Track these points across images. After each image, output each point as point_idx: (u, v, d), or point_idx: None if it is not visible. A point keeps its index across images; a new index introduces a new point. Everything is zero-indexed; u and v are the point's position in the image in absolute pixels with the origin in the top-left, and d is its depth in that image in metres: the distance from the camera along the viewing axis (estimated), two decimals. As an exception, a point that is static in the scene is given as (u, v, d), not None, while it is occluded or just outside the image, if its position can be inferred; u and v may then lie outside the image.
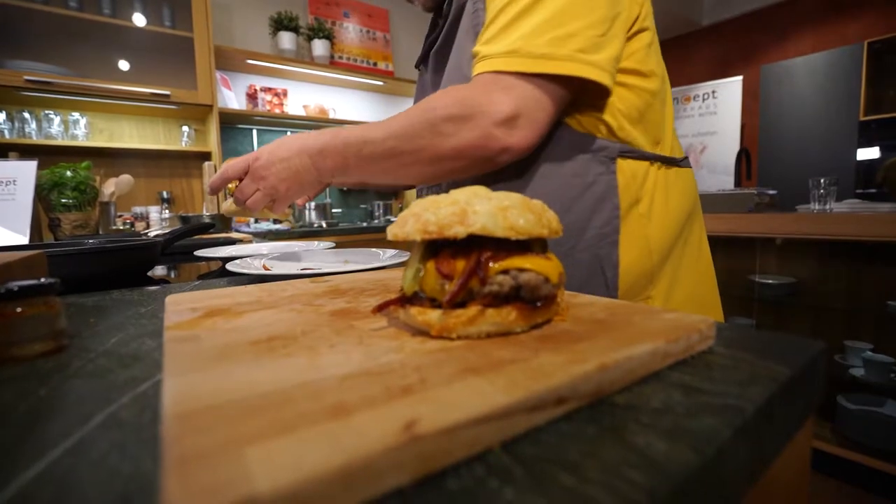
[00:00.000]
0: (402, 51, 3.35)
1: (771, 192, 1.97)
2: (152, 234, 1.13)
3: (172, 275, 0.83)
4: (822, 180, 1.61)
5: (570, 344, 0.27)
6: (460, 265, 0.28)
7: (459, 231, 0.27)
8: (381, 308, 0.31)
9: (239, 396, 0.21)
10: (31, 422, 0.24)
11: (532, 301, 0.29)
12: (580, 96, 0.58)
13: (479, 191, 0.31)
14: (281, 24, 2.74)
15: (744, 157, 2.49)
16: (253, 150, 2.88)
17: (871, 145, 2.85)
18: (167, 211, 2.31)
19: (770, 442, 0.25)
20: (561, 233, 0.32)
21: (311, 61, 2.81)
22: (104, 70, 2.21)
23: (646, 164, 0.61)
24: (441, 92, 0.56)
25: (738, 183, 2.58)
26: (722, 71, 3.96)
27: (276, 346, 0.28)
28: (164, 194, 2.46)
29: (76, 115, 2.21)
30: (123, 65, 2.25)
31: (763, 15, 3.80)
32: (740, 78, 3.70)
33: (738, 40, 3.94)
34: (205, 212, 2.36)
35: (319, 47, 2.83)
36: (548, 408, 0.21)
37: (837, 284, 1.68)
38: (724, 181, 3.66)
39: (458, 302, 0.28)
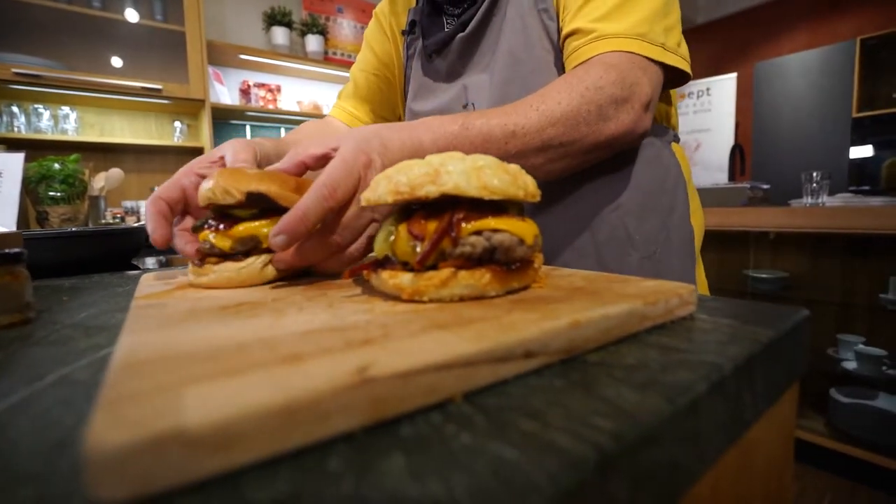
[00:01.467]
0: (398, 47, 3.35)
1: (764, 186, 1.97)
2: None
3: (162, 267, 0.82)
4: (814, 174, 1.61)
5: (544, 304, 0.26)
6: (432, 226, 0.28)
7: (431, 190, 0.27)
8: (353, 273, 0.30)
9: (192, 349, 0.20)
10: (-21, 383, 0.23)
11: (506, 263, 0.28)
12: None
13: (455, 154, 0.30)
14: (274, 19, 2.72)
15: (737, 152, 2.49)
16: (247, 146, 2.86)
17: (864, 142, 2.86)
18: (159, 206, 2.29)
19: (750, 404, 0.24)
20: (538, 197, 0.31)
21: (305, 57, 2.79)
22: (95, 64, 2.19)
23: (679, 146, 0.65)
24: (599, 67, 0.48)
25: (731, 179, 2.59)
26: (716, 68, 3.97)
27: (244, 310, 0.27)
28: (156, 189, 2.44)
29: (66, 109, 2.19)
30: (114, 59, 2.23)
31: (757, 12, 3.81)
32: (734, 75, 3.71)
33: (732, 38, 3.95)
34: (197, 207, 2.34)
35: (313, 43, 2.82)
36: (515, 360, 0.20)
37: (830, 278, 1.69)
38: (718, 178, 3.67)
39: (429, 265, 0.27)
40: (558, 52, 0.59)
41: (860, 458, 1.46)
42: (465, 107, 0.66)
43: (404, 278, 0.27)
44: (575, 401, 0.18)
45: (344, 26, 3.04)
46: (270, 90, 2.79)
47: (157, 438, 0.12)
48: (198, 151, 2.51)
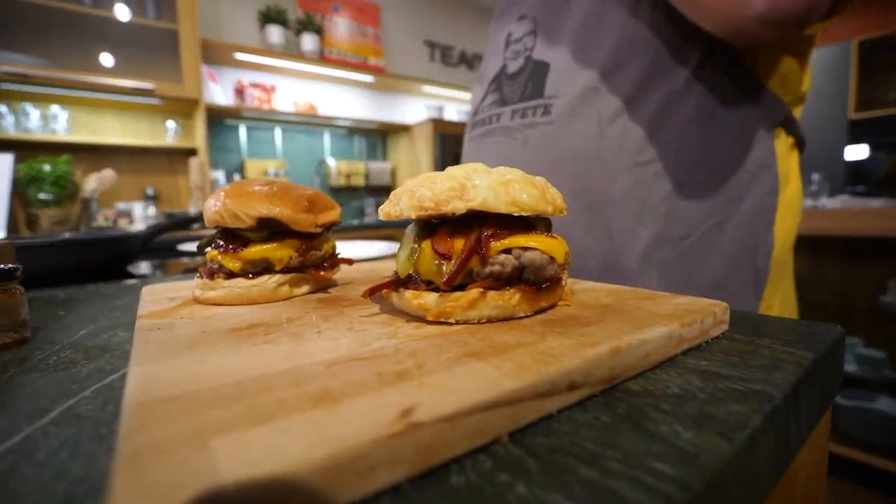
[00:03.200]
0: (394, 46, 3.32)
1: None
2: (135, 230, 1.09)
3: (157, 273, 0.80)
4: (814, 176, 1.62)
5: (578, 328, 0.25)
6: (459, 244, 0.26)
7: (458, 206, 0.25)
8: (372, 291, 0.29)
9: (211, 384, 0.18)
10: (-25, 418, 0.21)
11: (536, 283, 0.27)
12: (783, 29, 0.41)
13: (478, 166, 0.29)
14: (269, 17, 2.69)
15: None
16: (241, 147, 2.83)
17: (860, 143, 2.88)
18: (152, 208, 2.25)
19: (795, 431, 0.23)
20: (565, 212, 0.29)
21: (301, 56, 2.76)
22: (85, 62, 2.14)
23: (792, 142, 0.51)
24: None
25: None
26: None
27: (258, 333, 0.26)
28: (149, 191, 2.40)
29: (56, 108, 2.14)
30: (106, 57, 2.18)
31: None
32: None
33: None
34: (192, 209, 2.31)
35: (309, 42, 2.78)
36: (559, 394, 0.19)
37: (830, 280, 1.69)
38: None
39: (456, 284, 0.26)
40: None
41: (860, 461, 1.47)
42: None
43: (429, 299, 0.26)
44: (628, 441, 0.17)
45: (340, 25, 3.01)
46: (265, 90, 2.75)
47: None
48: (191, 152, 2.47)
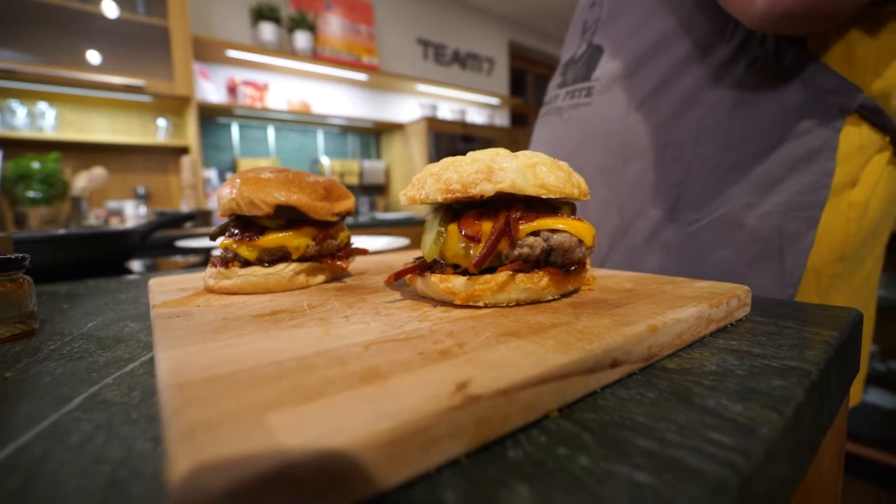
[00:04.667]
0: (387, 45, 3.30)
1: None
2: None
3: (152, 271, 0.78)
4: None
5: (608, 309, 0.24)
6: (487, 227, 0.26)
7: (486, 188, 0.25)
8: (397, 276, 0.28)
9: (248, 366, 0.18)
10: (-6, 406, 0.20)
11: (564, 265, 0.26)
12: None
13: (500, 150, 0.29)
14: (261, 14, 2.66)
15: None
16: (233, 145, 2.79)
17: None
18: (143, 207, 2.21)
19: (827, 409, 0.23)
20: (589, 196, 0.29)
21: (293, 54, 2.73)
22: (73, 59, 2.10)
23: (882, 139, 0.44)
24: None
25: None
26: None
27: (283, 319, 0.25)
28: (140, 190, 2.35)
29: (43, 105, 2.09)
30: (94, 54, 2.14)
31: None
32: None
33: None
34: (184, 208, 2.27)
35: (301, 39, 2.76)
36: (602, 370, 0.19)
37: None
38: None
39: (484, 268, 0.26)
40: None
41: (850, 452, 1.49)
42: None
43: (457, 282, 0.26)
44: (680, 414, 0.17)
45: (333, 23, 2.99)
46: (258, 88, 2.72)
47: (262, 478, 0.10)
48: (183, 151, 2.44)
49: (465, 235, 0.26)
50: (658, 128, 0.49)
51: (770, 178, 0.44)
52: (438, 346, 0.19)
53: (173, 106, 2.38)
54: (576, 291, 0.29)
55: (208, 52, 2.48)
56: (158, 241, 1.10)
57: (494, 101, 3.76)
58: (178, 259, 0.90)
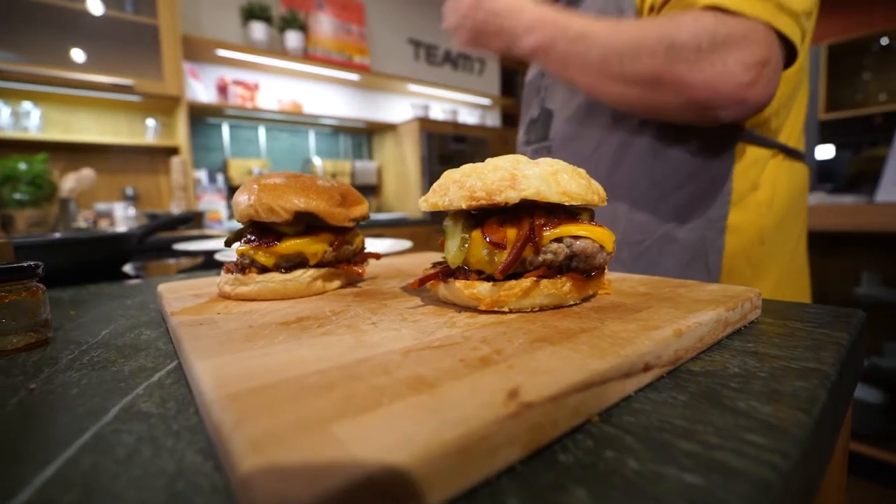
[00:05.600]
0: (379, 45, 3.29)
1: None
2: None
3: (146, 276, 0.77)
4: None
5: (630, 313, 0.25)
6: (511, 234, 0.26)
7: (511, 196, 0.25)
8: (422, 282, 0.29)
9: (292, 375, 0.18)
10: (26, 418, 0.20)
11: (586, 271, 0.27)
12: None
13: (521, 158, 0.29)
14: (252, 13, 2.63)
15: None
16: (224, 146, 2.76)
17: (829, 143, 3.01)
18: (132, 209, 2.17)
19: (841, 408, 0.24)
20: (605, 202, 0.30)
21: (284, 53, 2.71)
22: (59, 57, 2.05)
23: (767, 151, 0.57)
24: (690, 16, 0.47)
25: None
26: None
27: (310, 326, 0.25)
28: (129, 191, 2.31)
29: (28, 105, 2.04)
30: (81, 52, 2.09)
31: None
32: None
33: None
34: (174, 209, 2.24)
35: (292, 39, 2.74)
36: (636, 375, 0.19)
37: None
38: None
39: (509, 273, 0.26)
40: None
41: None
42: None
43: (482, 288, 0.26)
44: (715, 416, 0.17)
45: (324, 23, 2.97)
46: (249, 88, 2.69)
47: (348, 490, 0.11)
48: (173, 151, 2.40)
49: (490, 242, 0.26)
50: (604, 176, 0.62)
51: (688, 203, 0.57)
52: (476, 352, 0.20)
53: (163, 106, 2.34)
54: (594, 295, 0.30)
55: (198, 51, 2.45)
56: (152, 245, 1.08)
57: (486, 101, 3.78)
58: (171, 262, 0.89)
